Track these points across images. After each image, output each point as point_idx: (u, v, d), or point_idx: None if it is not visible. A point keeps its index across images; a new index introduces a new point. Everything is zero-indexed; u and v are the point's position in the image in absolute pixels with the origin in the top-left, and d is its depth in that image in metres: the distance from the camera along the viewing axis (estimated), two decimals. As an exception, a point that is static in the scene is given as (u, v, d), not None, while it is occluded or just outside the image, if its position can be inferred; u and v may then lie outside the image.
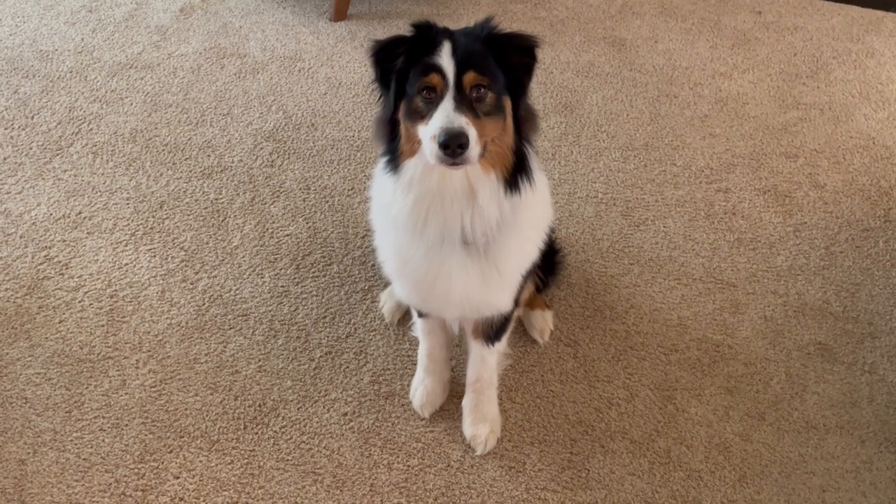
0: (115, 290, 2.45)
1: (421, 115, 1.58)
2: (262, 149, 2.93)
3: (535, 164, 1.73)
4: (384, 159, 1.71)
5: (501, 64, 1.59)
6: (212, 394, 2.22)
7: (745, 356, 2.38)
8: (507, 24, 2.14)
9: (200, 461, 2.08)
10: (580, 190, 2.84)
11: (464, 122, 1.51)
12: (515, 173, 1.66)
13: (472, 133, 1.52)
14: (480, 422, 2.13)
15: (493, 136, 1.60)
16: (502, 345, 2.09)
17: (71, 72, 3.21)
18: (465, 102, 1.54)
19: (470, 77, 1.54)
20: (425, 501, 2.02)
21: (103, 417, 2.16)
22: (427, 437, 2.16)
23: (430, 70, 1.54)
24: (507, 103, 1.62)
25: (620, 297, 2.52)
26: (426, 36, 1.58)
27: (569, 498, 2.04)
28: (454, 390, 2.25)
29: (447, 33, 1.59)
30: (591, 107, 3.17)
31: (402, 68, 1.59)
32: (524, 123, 1.68)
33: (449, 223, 1.68)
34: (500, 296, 1.86)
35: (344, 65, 3.31)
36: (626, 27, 3.61)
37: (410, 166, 1.65)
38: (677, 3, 3.77)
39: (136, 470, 2.06)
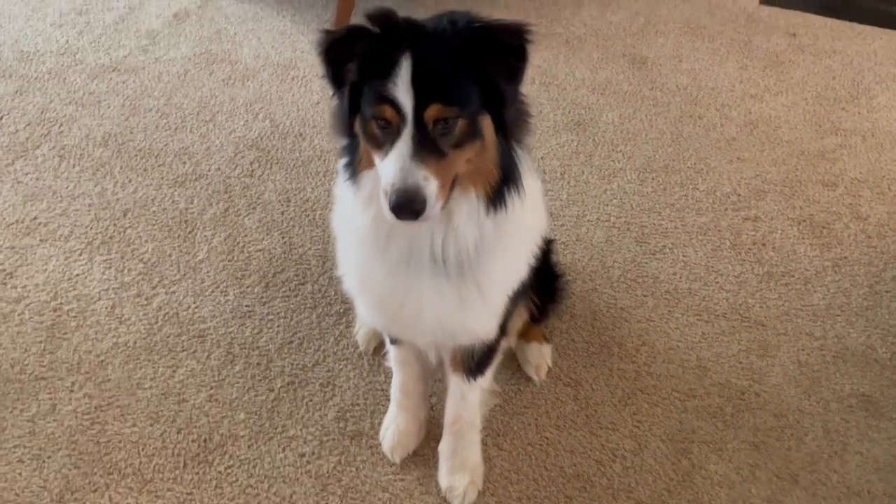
0: (60, 304, 2.18)
1: (378, 143, 1.30)
2: (242, 157, 2.68)
3: (525, 167, 1.43)
4: (343, 161, 1.44)
5: (480, 69, 1.27)
6: (152, 425, 1.93)
7: (776, 406, 2.04)
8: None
9: (128, 503, 1.78)
10: (590, 212, 2.54)
11: (421, 177, 1.23)
12: (501, 187, 1.37)
13: (432, 189, 1.24)
14: (459, 471, 1.81)
15: (467, 159, 1.31)
16: (486, 380, 1.78)
17: (50, 73, 3.00)
18: (426, 142, 1.24)
19: (433, 111, 1.24)
20: (387, 564, 1.69)
21: (24, 447, 1.87)
22: (396, 486, 1.84)
23: (383, 102, 1.24)
24: (486, 121, 1.31)
25: (631, 333, 2.19)
26: (385, 34, 1.27)
27: (559, 568, 1.70)
28: (432, 433, 1.93)
29: (410, 34, 1.27)
30: (607, 125, 2.89)
31: (355, 81, 1.29)
32: (512, 130, 1.37)
33: (416, 245, 1.40)
34: (481, 321, 1.56)
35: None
36: (649, 45, 3.34)
37: (370, 179, 1.37)
38: (705, 23, 3.50)
39: (52, 510, 1.76)
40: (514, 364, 2.08)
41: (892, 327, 2.23)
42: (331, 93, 1.40)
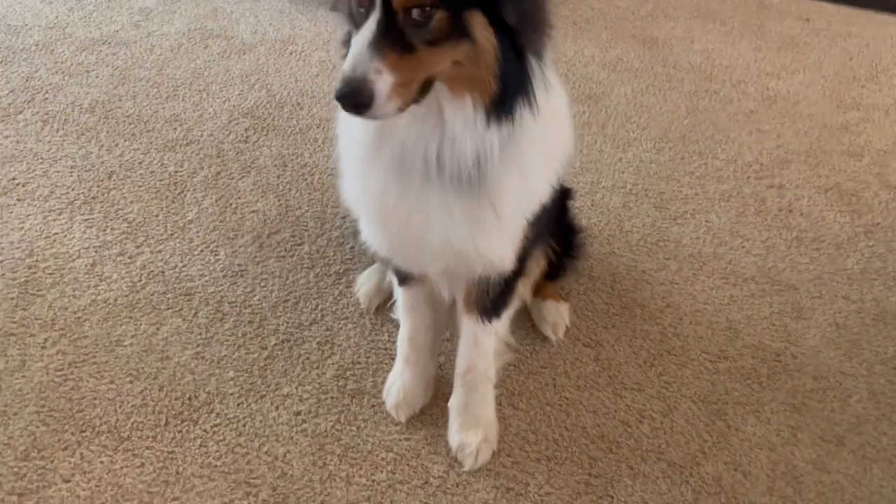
0: (36, 261, 2.01)
1: (355, 24, 1.15)
2: (237, 124, 2.53)
3: (540, 80, 1.24)
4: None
5: None
6: (131, 382, 1.74)
7: (815, 368, 1.87)
8: None
9: (101, 462, 1.59)
10: (605, 180, 2.39)
11: (372, 68, 1.08)
12: (503, 99, 1.19)
13: (384, 83, 1.09)
14: (471, 427, 1.62)
15: (455, 60, 1.15)
16: (503, 325, 1.61)
17: (37, 45, 2.87)
18: (391, 31, 1.09)
19: None
20: (391, 527, 1.50)
21: (-11, 404, 1.68)
22: (401, 445, 1.65)
23: None
24: (476, 18, 1.12)
25: (654, 295, 2.03)
26: None
27: (586, 531, 1.51)
28: (440, 391, 1.75)
29: None
30: (619, 98, 2.76)
31: None
32: (520, 34, 1.16)
33: (407, 148, 1.24)
34: (497, 245, 1.39)
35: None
36: (658, 28, 3.24)
37: None
38: (714, 8, 3.40)
39: (15, 469, 1.56)
40: (528, 324, 1.92)
41: (933, 291, 2.07)
42: None
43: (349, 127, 1.34)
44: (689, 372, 1.84)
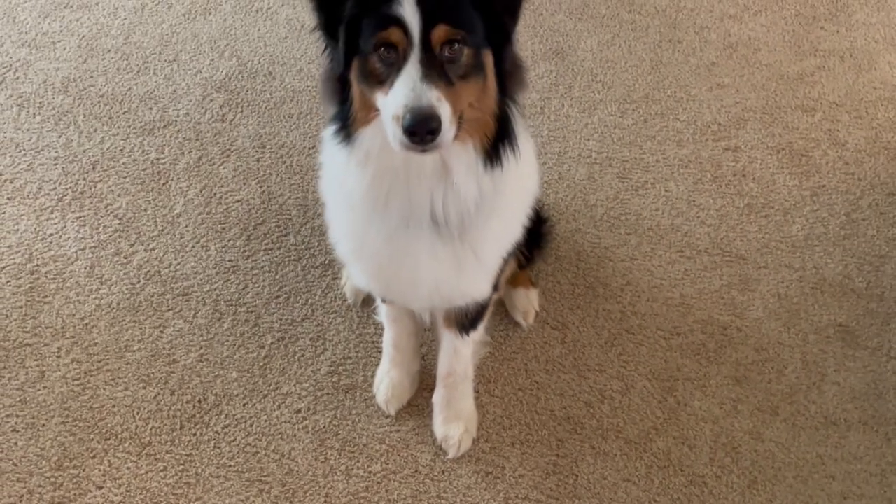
0: (38, 266, 2.13)
1: (379, 80, 1.25)
2: (211, 101, 2.58)
3: (520, 127, 1.41)
4: (334, 126, 1.39)
5: (480, 4, 1.25)
6: (144, 388, 1.93)
7: (756, 340, 2.10)
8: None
9: (128, 468, 1.80)
10: (571, 148, 2.51)
11: (434, 97, 1.19)
12: (497, 142, 1.35)
13: (446, 111, 1.20)
14: (453, 420, 1.85)
15: (470, 101, 1.27)
16: (479, 334, 1.80)
17: (-3, 12, 2.83)
18: (434, 66, 1.21)
19: (441, 32, 1.21)
20: (388, 515, 1.75)
21: (17, 416, 1.87)
22: (392, 437, 1.88)
23: (389, 23, 1.20)
24: (489, 57, 1.29)
25: (615, 272, 2.22)
26: None
27: (554, 510, 1.77)
28: (424, 382, 1.96)
29: None
30: (585, 53, 2.82)
31: (353, 15, 1.25)
32: (509, 79, 1.35)
33: (416, 204, 1.37)
34: (476, 284, 1.56)
35: (308, 5, 2.93)
36: (625, -37, 3.22)
37: (367, 137, 1.33)
38: (682, -63, 3.37)
39: (52, 479, 1.77)
40: (501, 310, 2.10)
41: (868, 256, 2.28)
42: (322, 48, 1.36)
43: (344, 191, 1.44)
44: (645, 350, 2.06)
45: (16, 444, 1.82)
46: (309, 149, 2.45)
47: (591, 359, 2.04)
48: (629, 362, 2.04)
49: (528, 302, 2.08)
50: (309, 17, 2.84)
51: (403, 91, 1.20)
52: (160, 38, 2.78)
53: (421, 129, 1.19)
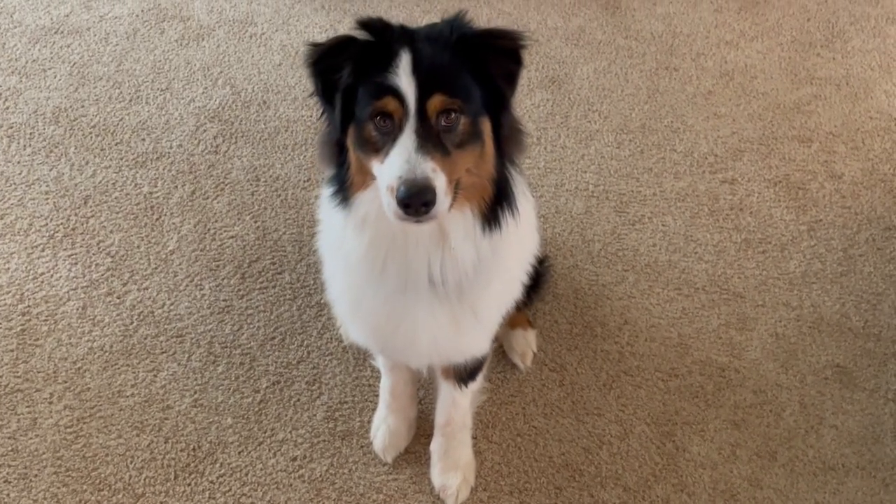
0: (28, 307, 2.10)
1: (375, 148, 1.24)
2: (205, 131, 2.55)
3: (519, 188, 1.40)
4: (331, 189, 1.37)
5: (478, 72, 1.25)
6: (138, 435, 1.90)
7: (755, 382, 2.09)
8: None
9: (122, 521, 1.78)
10: (568, 181, 2.50)
11: (429, 168, 1.18)
12: (495, 205, 1.33)
13: (441, 182, 1.19)
14: (451, 469, 1.83)
15: (467, 167, 1.26)
16: (477, 384, 1.79)
17: (-14, 37, 2.79)
18: (430, 136, 1.20)
19: (437, 102, 1.20)
20: (386, 569, 1.74)
21: (9, 466, 1.84)
22: (389, 486, 1.86)
23: (385, 92, 1.20)
24: (486, 125, 1.28)
25: (613, 311, 2.21)
26: (379, 40, 1.23)
27: (553, 562, 1.76)
28: (422, 428, 1.95)
29: (406, 37, 1.25)
30: (582, 81, 2.80)
31: (349, 84, 1.25)
32: (507, 143, 1.34)
33: (413, 269, 1.36)
34: (476, 342, 1.56)
35: (302, 30, 2.91)
36: (621, -13, 3.21)
37: (364, 201, 1.32)
38: (678, -41, 3.36)
39: (45, 533, 1.75)
40: (499, 352, 2.09)
41: (865, 294, 2.27)
42: (319, 112, 1.37)
43: (342, 251, 1.42)
44: (644, 392, 2.05)
45: (8, 495, 1.80)
46: (304, 181, 2.43)
47: (590, 402, 2.03)
48: (627, 405, 2.03)
49: (525, 343, 2.06)
50: (301, 43, 2.82)
51: (398, 162, 1.19)
52: (153, 65, 2.74)
53: (415, 202, 1.18)
